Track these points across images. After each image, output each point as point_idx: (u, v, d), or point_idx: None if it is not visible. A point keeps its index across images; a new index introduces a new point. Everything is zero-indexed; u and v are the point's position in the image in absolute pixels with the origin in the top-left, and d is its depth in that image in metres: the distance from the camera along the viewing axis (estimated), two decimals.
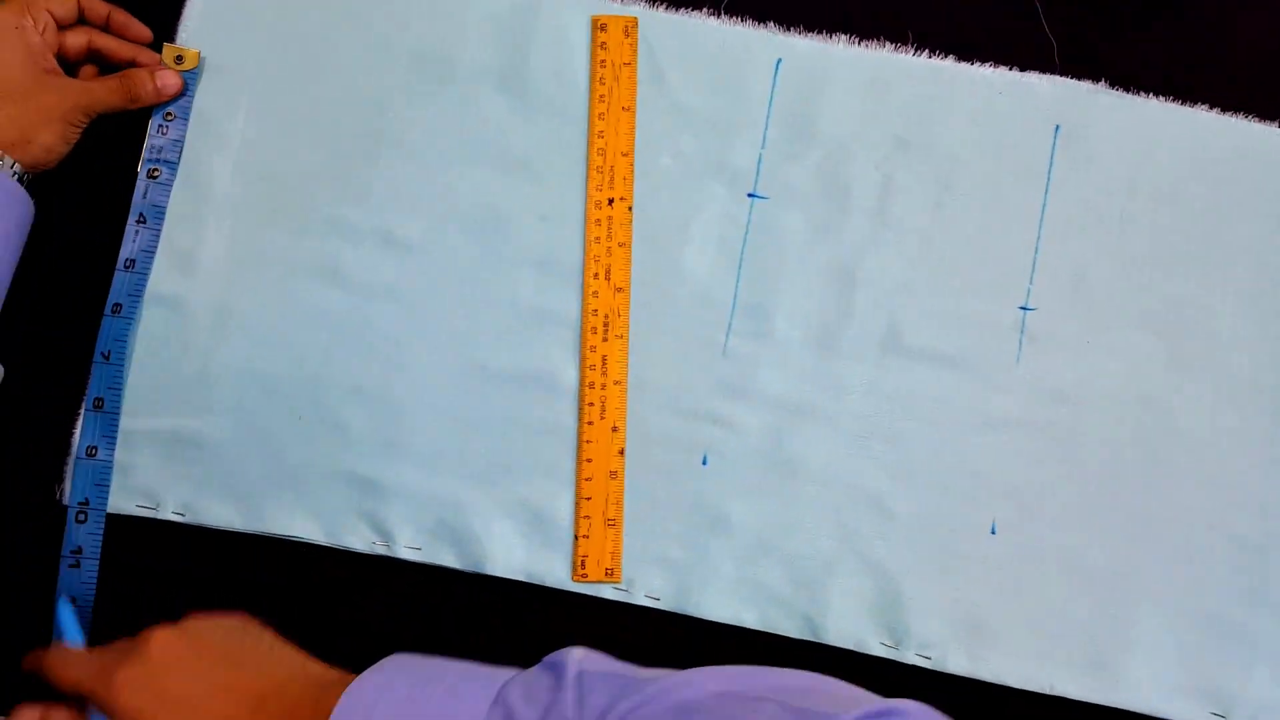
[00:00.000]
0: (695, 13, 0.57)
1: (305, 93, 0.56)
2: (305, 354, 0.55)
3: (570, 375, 0.54)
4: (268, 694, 0.43)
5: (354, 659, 0.44)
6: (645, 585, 0.53)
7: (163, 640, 0.44)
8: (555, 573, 0.53)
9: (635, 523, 0.54)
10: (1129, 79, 0.56)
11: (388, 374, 0.55)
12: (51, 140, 0.52)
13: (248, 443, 0.54)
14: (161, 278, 0.55)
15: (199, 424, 0.54)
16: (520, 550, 0.53)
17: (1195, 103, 0.56)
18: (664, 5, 0.57)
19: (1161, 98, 0.56)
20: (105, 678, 0.43)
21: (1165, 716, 0.52)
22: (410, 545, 0.53)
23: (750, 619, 0.53)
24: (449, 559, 0.53)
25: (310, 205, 0.56)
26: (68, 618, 0.51)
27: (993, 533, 0.53)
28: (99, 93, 0.54)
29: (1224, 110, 0.56)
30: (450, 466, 0.54)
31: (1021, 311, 0.55)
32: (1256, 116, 0.56)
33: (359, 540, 0.54)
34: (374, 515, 0.54)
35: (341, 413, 0.54)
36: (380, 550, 0.54)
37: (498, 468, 0.54)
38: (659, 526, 0.54)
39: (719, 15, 0.57)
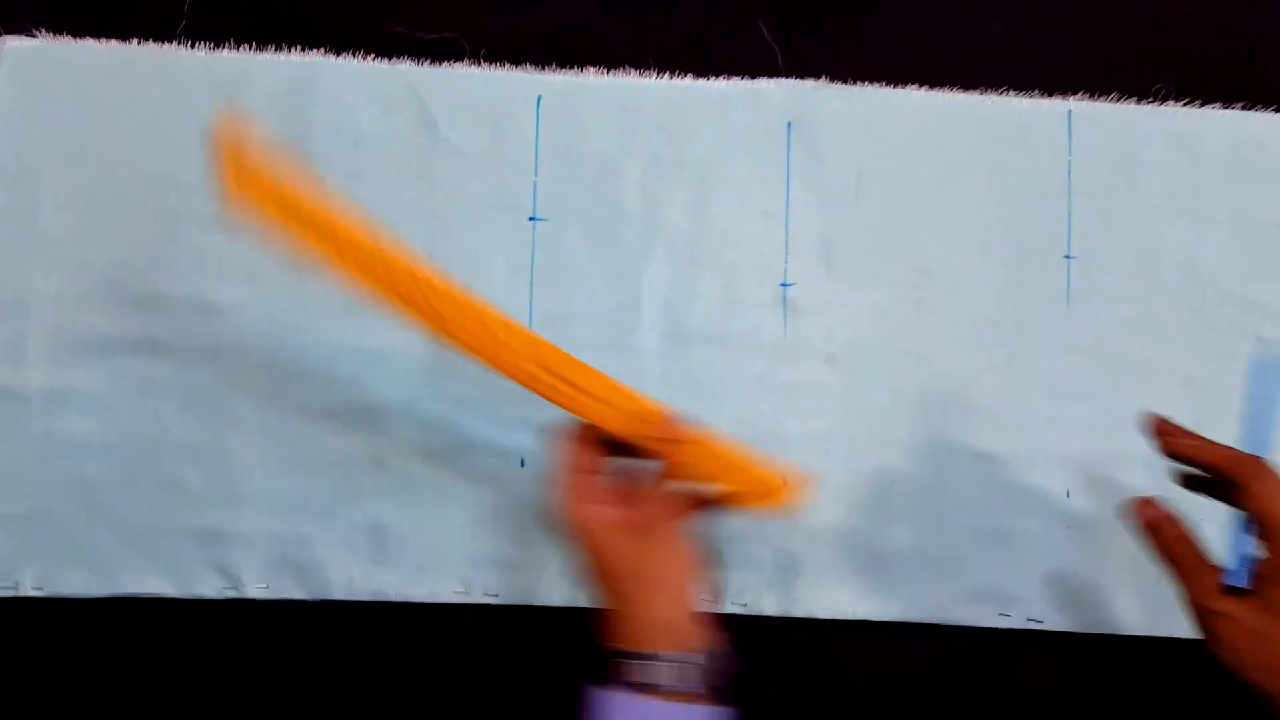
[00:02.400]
0: (459, 64, 0.63)
1: (104, 181, 0.60)
2: (137, 422, 0.58)
3: (384, 401, 0.59)
4: None
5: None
6: (483, 584, 0.58)
7: None
8: (397, 586, 0.58)
9: (465, 527, 0.58)
10: (846, 72, 0.64)
11: (218, 429, 0.59)
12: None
13: (94, 513, 0.58)
14: None
15: (46, 502, 0.58)
16: (361, 572, 0.58)
17: (906, 84, 0.64)
18: (429, 61, 0.63)
19: (876, 84, 0.64)
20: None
21: (961, 622, 0.59)
22: (258, 585, 0.57)
23: (584, 599, 0.58)
24: (296, 592, 0.58)
25: (125, 285, 0.60)
26: None
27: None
28: None
29: (932, 87, 0.64)
30: (287, 505, 0.58)
31: (782, 289, 0.62)
32: (960, 88, 0.64)
33: (209, 588, 0.58)
34: (221, 563, 0.58)
35: (178, 472, 0.58)
36: (230, 594, 0.57)
37: (331, 499, 0.58)
38: (488, 528, 0.59)
39: (480, 63, 0.63)
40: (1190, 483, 0.51)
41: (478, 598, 0.58)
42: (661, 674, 0.46)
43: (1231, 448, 0.48)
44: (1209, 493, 0.50)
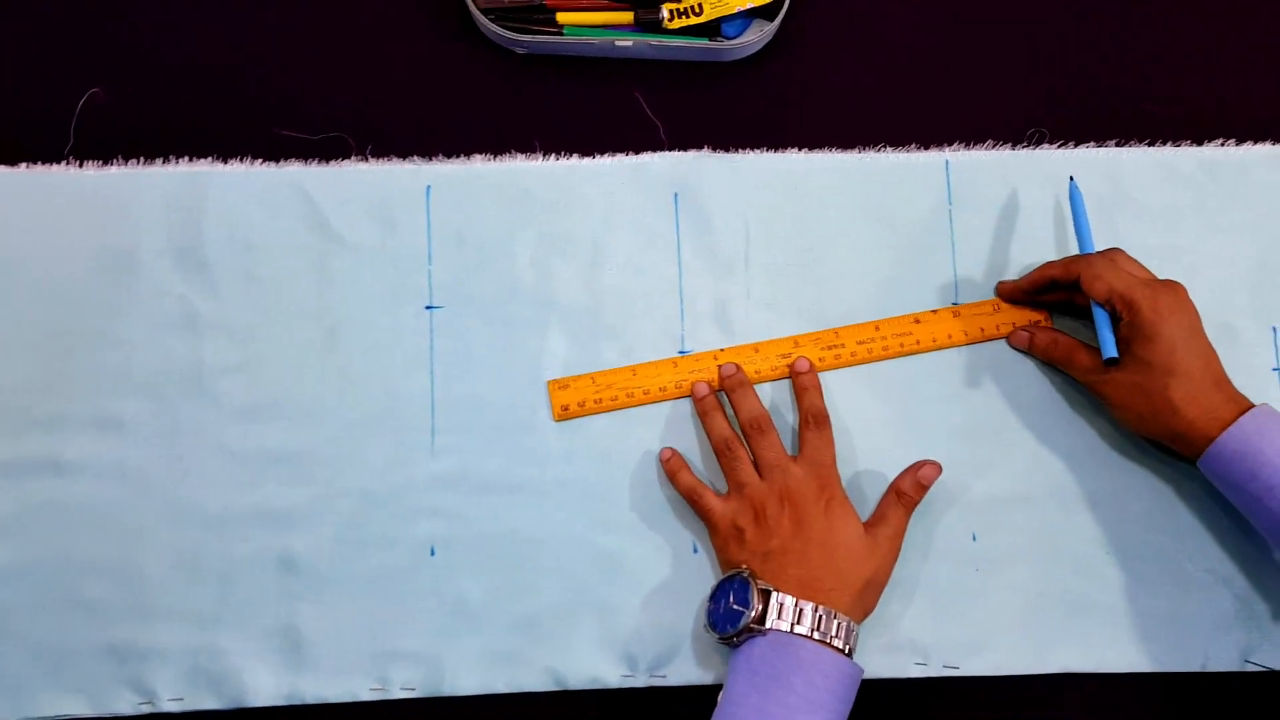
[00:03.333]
0: (347, 161, 0.64)
1: (2, 305, 0.61)
2: (43, 545, 0.58)
3: (291, 502, 0.59)
4: (1221, 379, 0.57)
5: None
6: (399, 679, 0.58)
7: (1184, 291, 0.58)
8: (313, 688, 0.57)
9: (378, 622, 0.58)
10: (728, 140, 0.65)
11: (123, 544, 0.59)
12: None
13: (3, 637, 0.57)
14: None
15: None
16: (276, 677, 0.58)
17: (786, 148, 0.65)
18: (317, 161, 0.64)
19: (758, 150, 0.65)
20: (1149, 291, 0.57)
21: (879, 675, 0.59)
22: (173, 698, 0.57)
23: (500, 685, 0.58)
24: (212, 702, 0.57)
25: (25, 408, 0.60)
26: None
27: (695, 552, 0.60)
28: None
29: (811, 149, 0.65)
30: (199, 616, 0.58)
31: (680, 355, 0.62)
32: (838, 148, 0.65)
33: (124, 705, 0.57)
34: (134, 678, 0.57)
35: (87, 590, 0.58)
36: (146, 709, 0.57)
37: (243, 606, 0.58)
38: (402, 622, 0.59)
39: (367, 159, 0.64)
40: (1053, 308, 0.63)
41: (395, 693, 0.58)
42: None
43: (1058, 259, 0.60)
44: (1070, 307, 0.62)
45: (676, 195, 0.64)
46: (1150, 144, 0.66)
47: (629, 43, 0.65)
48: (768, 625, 0.53)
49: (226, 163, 0.63)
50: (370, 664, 0.58)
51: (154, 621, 0.58)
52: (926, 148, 0.65)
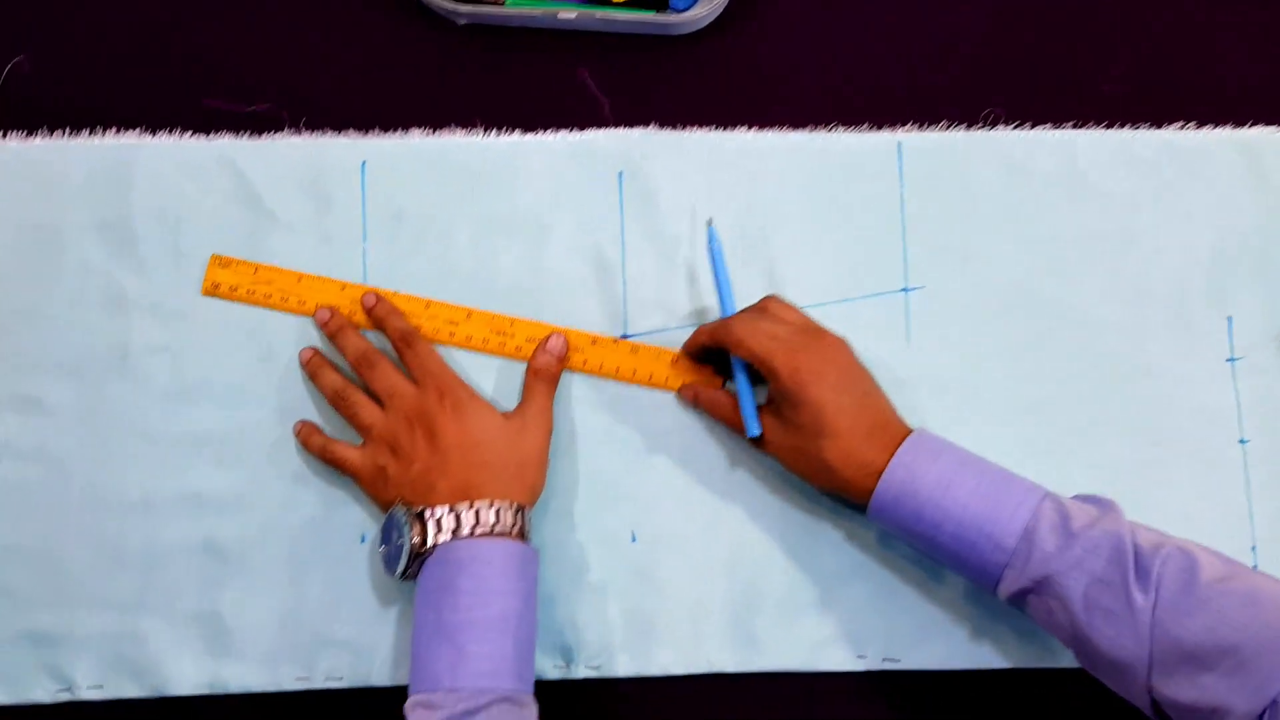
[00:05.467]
0: (280, 135, 0.62)
1: None
2: None
3: (218, 487, 0.58)
4: (879, 424, 0.53)
5: None
6: (326, 669, 0.57)
7: (841, 347, 0.55)
8: (238, 678, 0.56)
9: (305, 610, 0.57)
10: (675, 118, 0.63)
11: (45, 529, 0.57)
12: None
13: None
14: None
15: None
16: (199, 665, 0.56)
17: (734, 127, 0.63)
18: (249, 134, 0.62)
19: (705, 128, 0.63)
20: (789, 355, 0.53)
21: (822, 669, 0.58)
22: (92, 685, 0.56)
23: None
24: (132, 690, 0.56)
25: None
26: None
27: (633, 540, 0.59)
28: None
29: (761, 128, 0.63)
30: (120, 602, 0.57)
31: (624, 339, 0.61)
32: (789, 127, 0.63)
33: (42, 692, 0.56)
34: (52, 665, 0.56)
35: (4, 576, 0.57)
36: (64, 697, 0.56)
37: (165, 592, 0.57)
38: (329, 610, 0.57)
39: (301, 133, 0.62)
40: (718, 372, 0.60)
41: (320, 683, 0.56)
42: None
43: (705, 325, 0.58)
44: (729, 371, 0.59)
45: (621, 174, 0.62)
46: (1108, 126, 0.64)
47: (573, 14, 0.62)
48: (429, 544, 0.53)
49: (155, 135, 0.61)
50: (296, 653, 0.57)
51: (74, 608, 0.56)
52: (880, 127, 0.63)
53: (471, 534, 0.52)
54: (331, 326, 0.59)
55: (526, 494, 0.55)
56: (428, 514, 0.53)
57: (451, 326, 0.60)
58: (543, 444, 0.57)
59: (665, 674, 0.58)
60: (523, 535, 0.54)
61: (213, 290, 0.59)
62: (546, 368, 0.59)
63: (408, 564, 0.53)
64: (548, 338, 0.59)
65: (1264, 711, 0.43)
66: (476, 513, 0.53)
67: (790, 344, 0.54)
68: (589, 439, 0.60)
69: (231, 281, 0.59)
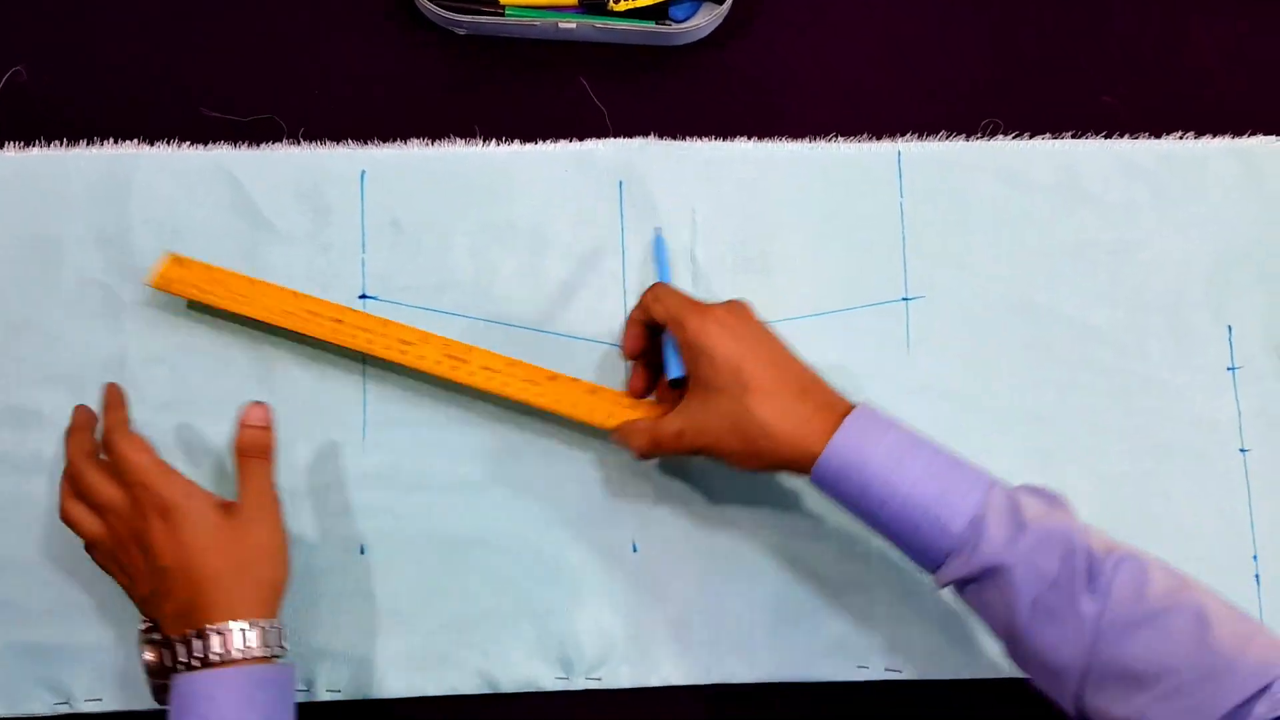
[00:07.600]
0: (277, 145, 0.62)
1: None
2: None
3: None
4: (809, 386, 0.52)
5: None
6: (325, 681, 0.56)
7: (744, 307, 0.54)
8: None
9: (303, 623, 0.57)
10: (675, 128, 0.63)
11: (43, 542, 0.57)
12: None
13: None
14: None
15: None
16: None
17: (734, 137, 0.63)
18: (247, 144, 0.62)
19: (705, 138, 0.63)
20: (699, 311, 0.53)
21: (824, 679, 0.58)
22: (90, 698, 0.56)
23: (430, 687, 0.57)
24: (130, 703, 0.56)
25: None
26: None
27: (634, 551, 0.59)
28: None
29: (760, 139, 0.63)
30: (120, 615, 0.56)
31: (615, 347, 0.61)
32: (788, 138, 0.63)
33: (40, 705, 0.56)
34: (50, 678, 0.56)
35: (3, 588, 0.56)
36: (63, 709, 0.56)
37: None
38: (328, 621, 0.57)
39: (299, 143, 0.62)
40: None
41: (320, 695, 0.56)
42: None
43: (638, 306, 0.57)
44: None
45: (621, 184, 0.62)
46: (1107, 137, 0.64)
47: (573, 24, 0.62)
48: (167, 664, 0.49)
49: (153, 145, 0.61)
50: (296, 665, 0.56)
51: (72, 620, 0.56)
52: (879, 138, 0.63)
53: (205, 663, 0.48)
54: (71, 421, 0.54)
55: (263, 596, 0.50)
56: (159, 638, 0.50)
57: (404, 346, 0.57)
58: (271, 531, 0.52)
59: (666, 685, 0.58)
60: (267, 646, 0.49)
61: (163, 284, 0.57)
62: (255, 443, 0.53)
63: (156, 691, 0.51)
64: (246, 409, 0.53)
65: None
66: (204, 643, 0.48)
67: (701, 304, 0.54)
68: (588, 449, 0.60)
69: (190, 279, 0.57)
